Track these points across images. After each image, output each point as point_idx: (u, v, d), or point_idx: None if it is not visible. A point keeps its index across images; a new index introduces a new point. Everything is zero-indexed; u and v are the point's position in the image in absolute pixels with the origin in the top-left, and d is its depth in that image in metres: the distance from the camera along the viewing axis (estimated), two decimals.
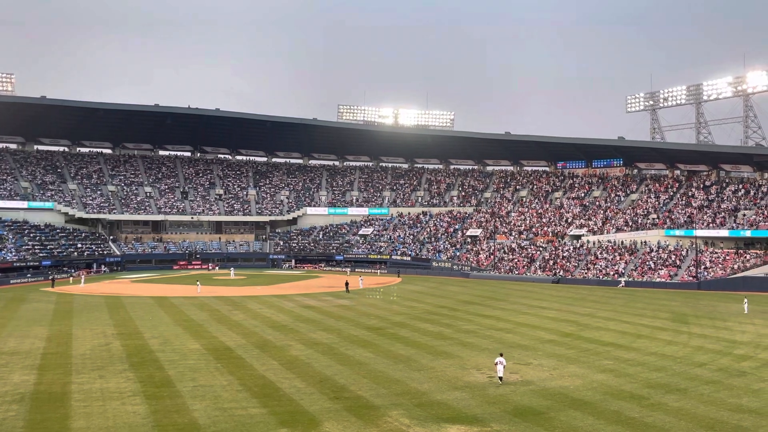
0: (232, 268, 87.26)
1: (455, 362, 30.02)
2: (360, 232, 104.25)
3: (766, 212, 73.05)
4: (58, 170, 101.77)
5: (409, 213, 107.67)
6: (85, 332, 38.28)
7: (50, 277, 72.22)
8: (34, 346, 33.99)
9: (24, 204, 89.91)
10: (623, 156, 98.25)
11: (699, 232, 74.41)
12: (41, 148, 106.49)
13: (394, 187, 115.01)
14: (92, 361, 30.02)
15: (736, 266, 68.51)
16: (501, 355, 27.16)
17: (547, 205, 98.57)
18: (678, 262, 72.42)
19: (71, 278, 74.34)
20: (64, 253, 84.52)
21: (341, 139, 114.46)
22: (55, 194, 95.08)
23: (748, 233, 72.13)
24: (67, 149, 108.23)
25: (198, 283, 64.35)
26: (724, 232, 73.64)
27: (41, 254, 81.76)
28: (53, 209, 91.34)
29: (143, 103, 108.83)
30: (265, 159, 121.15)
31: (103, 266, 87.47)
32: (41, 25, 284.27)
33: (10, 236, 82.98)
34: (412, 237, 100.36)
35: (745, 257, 69.59)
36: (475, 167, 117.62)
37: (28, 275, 74.41)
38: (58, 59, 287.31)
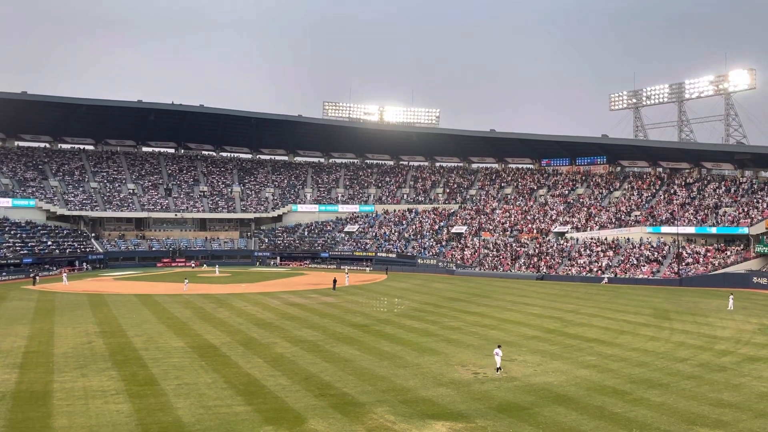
0: (216, 266, 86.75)
1: (440, 359, 30.12)
2: (345, 229, 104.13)
3: (746, 209, 74.02)
4: (40, 167, 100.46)
5: (394, 210, 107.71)
6: (67, 330, 37.86)
7: (31, 275, 71.36)
8: (15, 344, 33.55)
9: (5, 201, 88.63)
10: (607, 154, 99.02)
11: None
12: (22, 144, 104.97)
13: (380, 184, 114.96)
14: (75, 360, 29.70)
15: (716, 263, 69.41)
16: (499, 347, 28.16)
17: (532, 203, 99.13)
18: (660, 259, 73.20)
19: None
20: (46, 251, 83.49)
21: (326, 136, 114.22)
22: (36, 191, 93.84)
23: (713, 230, 73.35)
24: (48, 145, 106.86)
25: (186, 280, 63.66)
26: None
27: (22, 252, 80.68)
28: (34, 206, 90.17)
29: (127, 99, 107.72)
30: (249, 156, 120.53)
31: (85, 264, 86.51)
32: (22, 20, 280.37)
33: None
34: (397, 234, 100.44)
35: (726, 254, 70.51)
36: (461, 164, 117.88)
37: (4, 273, 73.50)
38: (41, 55, 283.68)
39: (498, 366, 27.29)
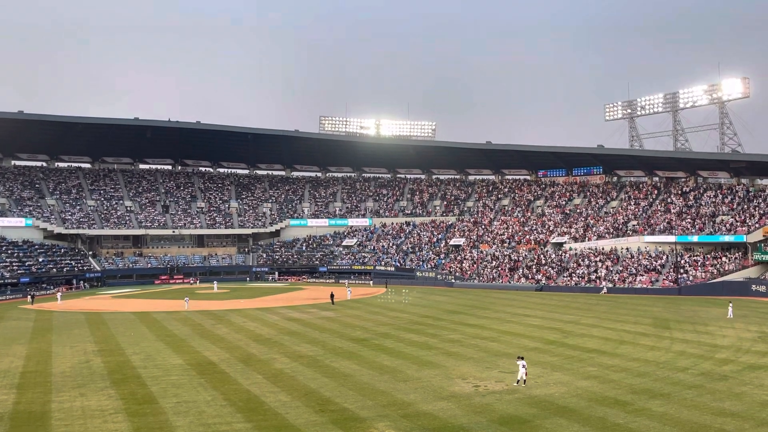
0: (215, 282, 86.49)
1: (440, 372, 29.99)
2: (343, 243, 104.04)
3: (743, 217, 74.16)
4: (36, 185, 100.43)
5: (392, 223, 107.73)
6: (65, 350, 37.66)
7: (29, 294, 71.07)
8: (13, 364, 33.36)
9: (16, 221, 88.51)
10: (603, 164, 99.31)
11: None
12: (19, 163, 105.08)
13: (377, 198, 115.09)
14: (73, 379, 29.52)
15: (715, 271, 69.40)
16: (521, 357, 27.77)
17: (529, 214, 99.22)
18: (659, 268, 73.18)
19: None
20: (43, 270, 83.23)
21: (323, 151, 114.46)
22: (33, 210, 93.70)
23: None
24: (45, 164, 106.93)
25: (186, 298, 62.43)
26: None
27: (20, 271, 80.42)
28: (32, 225, 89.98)
29: (123, 116, 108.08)
30: (247, 171, 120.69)
31: (83, 282, 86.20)
32: (16, 37, 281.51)
33: None
34: (395, 247, 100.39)
35: (723, 260, 70.53)
36: (457, 177, 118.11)
37: (9, 292, 73.27)
38: (35, 73, 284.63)
39: (523, 378, 26.81)
